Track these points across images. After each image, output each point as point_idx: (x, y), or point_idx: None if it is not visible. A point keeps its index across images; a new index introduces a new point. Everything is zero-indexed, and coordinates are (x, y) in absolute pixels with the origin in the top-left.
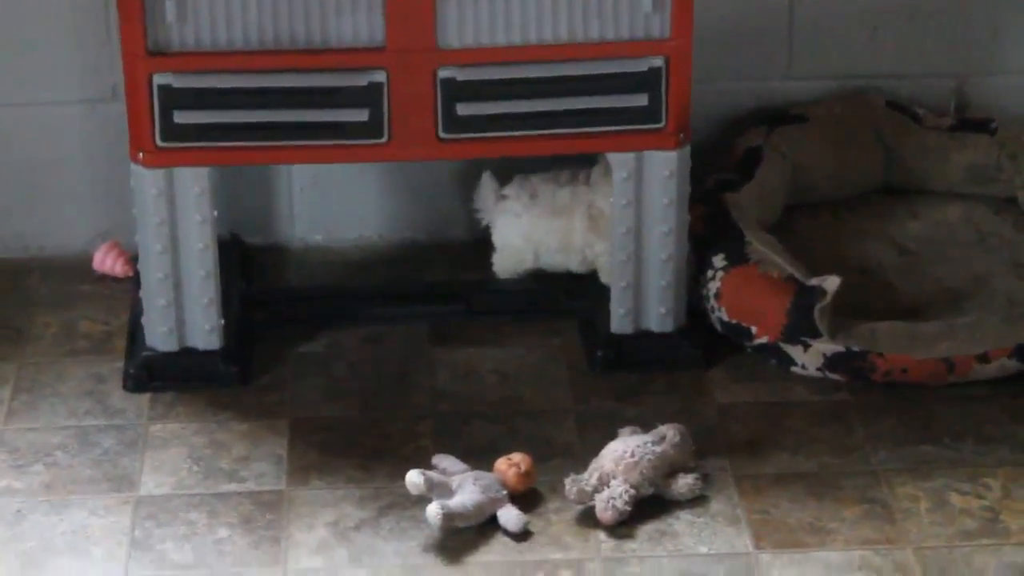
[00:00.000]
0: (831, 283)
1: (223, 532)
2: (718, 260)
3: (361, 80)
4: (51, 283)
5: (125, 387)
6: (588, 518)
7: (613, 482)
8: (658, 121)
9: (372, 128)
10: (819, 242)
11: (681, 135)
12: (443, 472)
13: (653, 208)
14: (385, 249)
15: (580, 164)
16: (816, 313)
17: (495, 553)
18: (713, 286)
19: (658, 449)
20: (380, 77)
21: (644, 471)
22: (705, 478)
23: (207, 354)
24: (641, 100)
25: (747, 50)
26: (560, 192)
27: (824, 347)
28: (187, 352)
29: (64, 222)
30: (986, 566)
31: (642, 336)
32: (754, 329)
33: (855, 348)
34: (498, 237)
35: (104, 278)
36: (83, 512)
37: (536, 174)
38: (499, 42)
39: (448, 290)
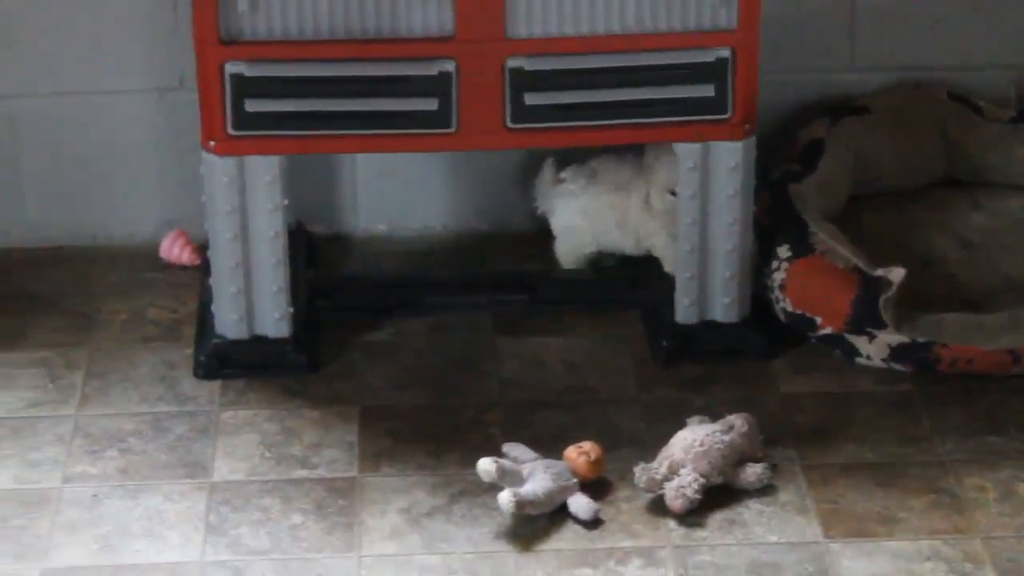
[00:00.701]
0: (896, 274)
1: (297, 518)
2: (783, 251)
3: (431, 70)
4: (118, 271)
5: (196, 374)
6: (658, 507)
7: (683, 471)
8: (724, 112)
9: (441, 117)
10: (882, 234)
11: (747, 126)
12: (514, 460)
13: (718, 199)
14: (449, 239)
15: (640, 153)
16: (881, 304)
17: (566, 541)
18: (778, 277)
19: (727, 438)
20: (449, 67)
21: (713, 460)
22: (773, 467)
23: (277, 342)
24: (708, 91)
25: (810, 42)
26: (622, 168)
27: (889, 338)
28: (257, 340)
29: (131, 210)
30: None
31: (707, 326)
32: (819, 320)
33: (920, 339)
34: (557, 222)
35: (171, 266)
36: (158, 497)
37: (595, 157)
38: (567, 32)
39: (512, 280)
